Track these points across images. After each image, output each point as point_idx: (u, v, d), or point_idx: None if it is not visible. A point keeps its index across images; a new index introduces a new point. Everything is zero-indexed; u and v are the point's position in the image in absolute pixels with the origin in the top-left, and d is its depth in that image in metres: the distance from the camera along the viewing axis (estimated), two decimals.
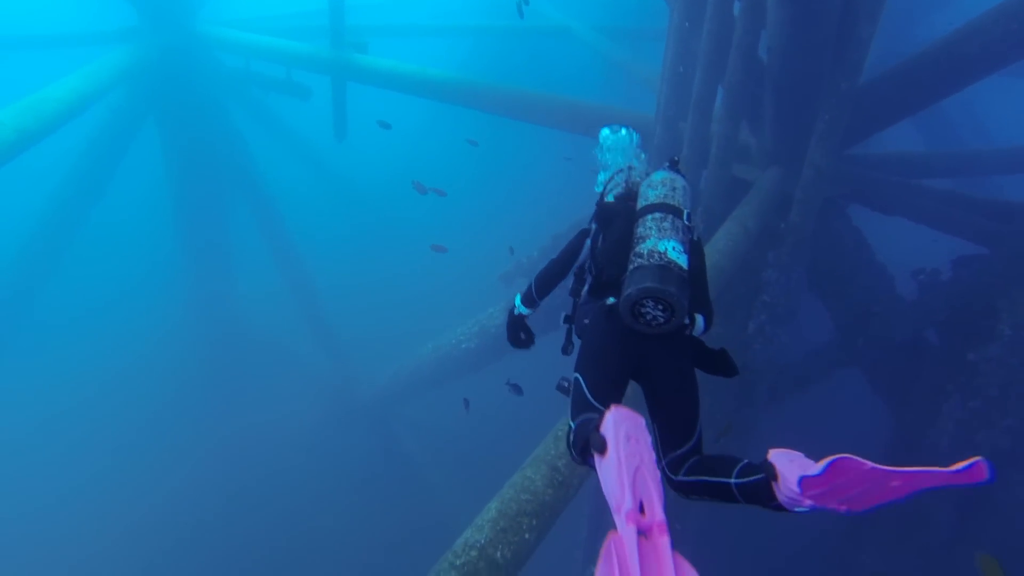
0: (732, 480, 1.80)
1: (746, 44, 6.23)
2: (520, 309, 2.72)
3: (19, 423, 11.33)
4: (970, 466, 1.33)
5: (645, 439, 1.73)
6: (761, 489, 1.71)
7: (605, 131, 2.98)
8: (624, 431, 1.70)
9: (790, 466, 1.64)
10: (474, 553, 3.00)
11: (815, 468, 1.51)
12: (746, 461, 1.84)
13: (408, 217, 17.42)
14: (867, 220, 7.65)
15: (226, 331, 13.41)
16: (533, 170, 18.68)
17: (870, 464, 1.44)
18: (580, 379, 2.13)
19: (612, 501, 1.59)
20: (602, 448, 1.69)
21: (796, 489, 1.55)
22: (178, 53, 10.71)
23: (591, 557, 7.87)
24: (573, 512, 3.84)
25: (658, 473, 1.67)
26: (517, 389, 6.68)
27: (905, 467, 1.44)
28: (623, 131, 2.94)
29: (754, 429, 7.70)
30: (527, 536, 3.16)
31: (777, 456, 1.72)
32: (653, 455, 1.71)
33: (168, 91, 10.92)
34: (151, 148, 11.61)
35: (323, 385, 12.73)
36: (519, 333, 2.78)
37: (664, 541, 1.48)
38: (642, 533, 1.50)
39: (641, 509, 1.56)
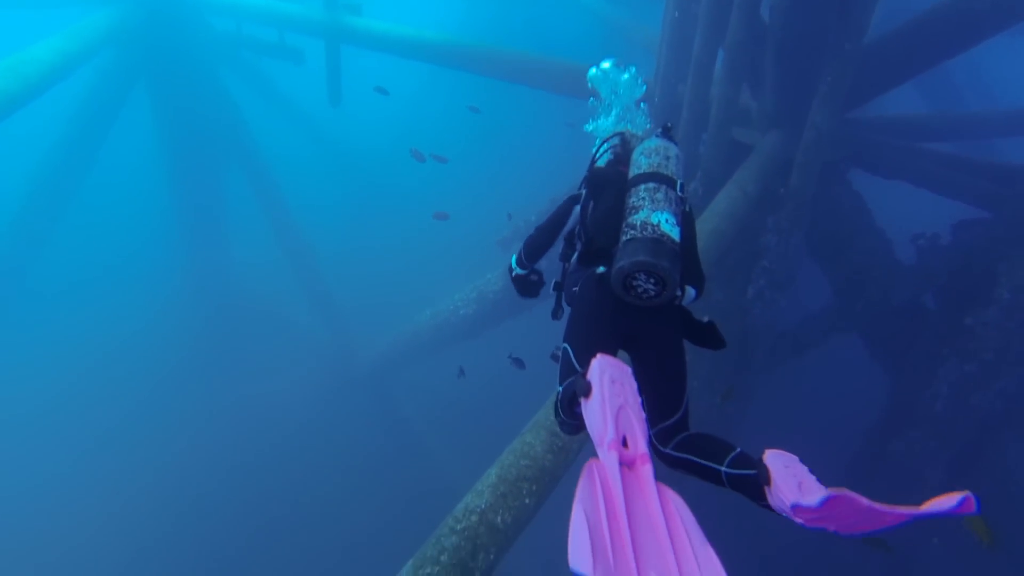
0: (723, 468, 1.79)
1: (748, 3, 6.07)
2: (517, 271, 2.73)
3: (11, 397, 11.36)
4: (960, 502, 1.36)
5: (631, 384, 1.71)
6: (751, 486, 1.70)
7: (592, 71, 2.83)
8: (609, 375, 1.69)
9: (784, 473, 1.60)
10: (474, 518, 3.04)
11: (811, 499, 1.48)
12: (739, 450, 1.82)
13: (405, 183, 17.26)
14: (867, 185, 7.59)
15: (222, 301, 13.37)
16: (531, 134, 18.43)
17: (867, 502, 1.44)
18: (568, 348, 2.11)
19: (595, 436, 1.58)
20: (587, 391, 1.68)
21: (788, 509, 1.54)
22: (166, 15, 10.42)
23: None
24: (573, 478, 3.88)
25: (643, 414, 1.65)
26: (519, 363, 6.67)
27: (901, 507, 1.44)
28: (626, 74, 2.78)
29: (754, 393, 7.77)
30: (527, 501, 3.20)
31: (773, 459, 1.67)
32: (639, 399, 1.69)
33: (157, 55, 10.66)
34: (142, 114, 11.40)
35: (322, 353, 12.77)
36: (528, 276, 2.74)
37: (647, 468, 1.47)
38: (624, 464, 1.48)
39: (624, 445, 1.54)
